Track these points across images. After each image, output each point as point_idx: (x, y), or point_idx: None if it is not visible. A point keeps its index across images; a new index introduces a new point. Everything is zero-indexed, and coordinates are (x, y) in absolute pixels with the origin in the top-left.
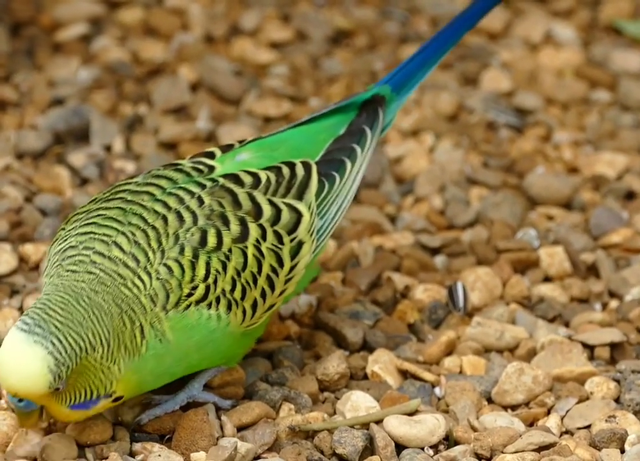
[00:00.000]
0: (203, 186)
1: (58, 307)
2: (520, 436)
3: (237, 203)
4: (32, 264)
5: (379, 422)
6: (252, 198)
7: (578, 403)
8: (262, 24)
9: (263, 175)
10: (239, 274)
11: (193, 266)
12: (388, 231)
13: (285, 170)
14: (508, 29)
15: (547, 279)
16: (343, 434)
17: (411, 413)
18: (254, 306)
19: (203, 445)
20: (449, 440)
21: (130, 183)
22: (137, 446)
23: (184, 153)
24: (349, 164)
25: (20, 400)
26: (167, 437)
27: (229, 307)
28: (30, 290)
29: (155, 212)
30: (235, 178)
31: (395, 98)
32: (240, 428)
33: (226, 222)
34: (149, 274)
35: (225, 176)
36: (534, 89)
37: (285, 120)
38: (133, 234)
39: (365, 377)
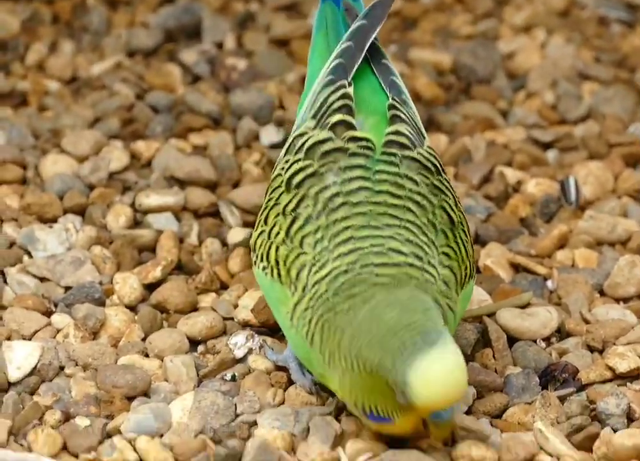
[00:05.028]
0: (394, 164)
1: (405, 307)
2: (632, 328)
3: (426, 168)
4: (144, 160)
5: (491, 315)
6: (424, 157)
7: None
8: None
9: (403, 129)
10: (468, 237)
11: (459, 247)
12: (500, 126)
13: (400, 113)
14: None
15: None
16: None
17: (524, 306)
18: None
19: None
20: (561, 333)
21: (327, 187)
22: None
23: (295, 50)
24: (397, 79)
25: (446, 410)
26: None
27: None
28: (142, 186)
29: (394, 206)
30: (399, 145)
31: None
32: None
33: (442, 191)
34: (434, 266)
35: (388, 146)
36: None
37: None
38: (399, 234)
39: (478, 270)
